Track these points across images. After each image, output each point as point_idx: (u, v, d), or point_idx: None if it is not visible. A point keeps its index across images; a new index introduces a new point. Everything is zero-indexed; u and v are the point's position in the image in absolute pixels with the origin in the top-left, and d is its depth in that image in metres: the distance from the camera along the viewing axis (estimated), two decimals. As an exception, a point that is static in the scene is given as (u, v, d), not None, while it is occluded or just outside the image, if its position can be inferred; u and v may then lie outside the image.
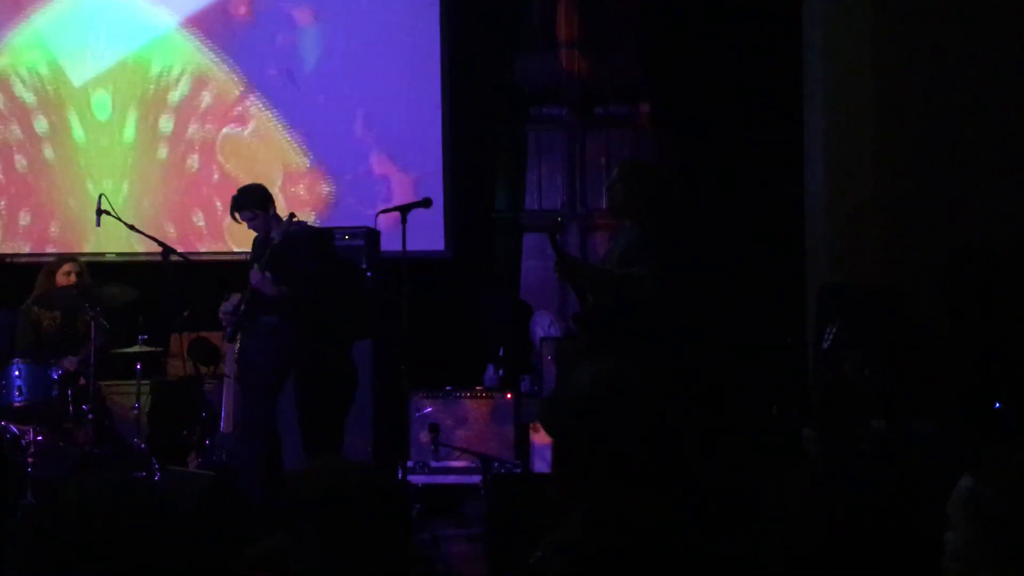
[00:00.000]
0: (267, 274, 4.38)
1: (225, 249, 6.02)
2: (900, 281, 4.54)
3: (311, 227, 4.75)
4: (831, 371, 3.94)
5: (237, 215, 4.53)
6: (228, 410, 4.73)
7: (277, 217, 4.57)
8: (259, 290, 4.39)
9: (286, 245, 4.41)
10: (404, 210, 4.57)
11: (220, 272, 5.46)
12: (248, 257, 4.77)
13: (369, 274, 5.19)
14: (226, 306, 4.54)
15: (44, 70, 6.12)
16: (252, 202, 4.50)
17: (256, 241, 4.63)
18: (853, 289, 4.51)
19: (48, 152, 6.14)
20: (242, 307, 4.44)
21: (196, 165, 6.13)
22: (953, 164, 4.69)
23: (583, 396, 1.23)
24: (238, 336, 4.50)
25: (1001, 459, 1.25)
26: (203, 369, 5.35)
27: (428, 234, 5.90)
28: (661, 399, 1.23)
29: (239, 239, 5.76)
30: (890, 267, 4.66)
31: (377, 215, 4.73)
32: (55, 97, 6.11)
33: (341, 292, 4.81)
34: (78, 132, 6.14)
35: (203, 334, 5.35)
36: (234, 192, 4.61)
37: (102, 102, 6.13)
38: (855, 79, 4.85)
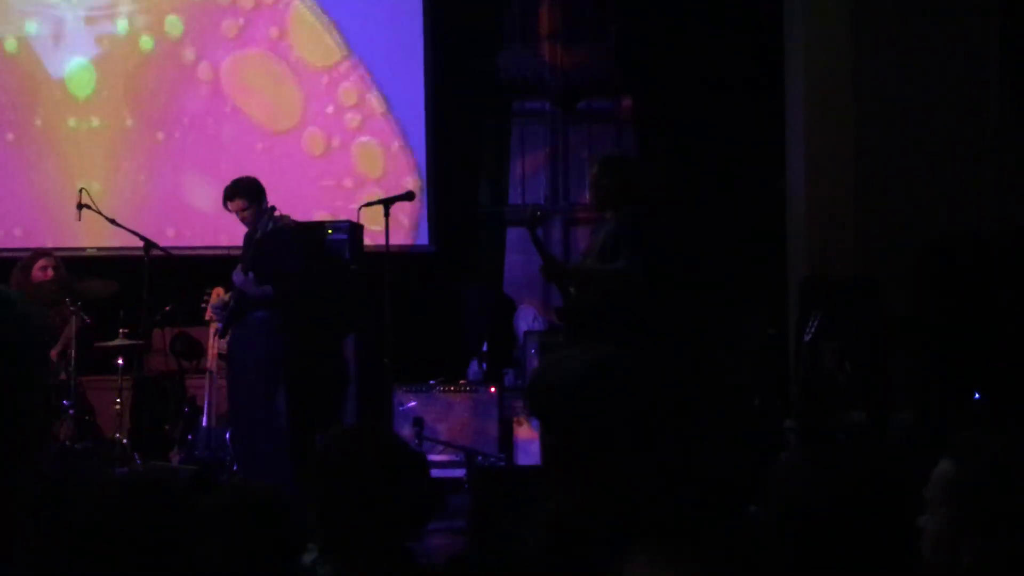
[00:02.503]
0: (250, 275, 4.34)
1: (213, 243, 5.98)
2: (879, 273, 4.57)
3: (295, 222, 4.72)
4: (812, 363, 3.96)
5: (229, 204, 4.49)
6: (210, 406, 4.71)
7: (268, 212, 4.53)
8: (243, 290, 4.37)
9: (267, 244, 4.38)
10: (387, 203, 4.55)
11: (202, 267, 5.42)
12: (237, 253, 4.74)
13: (353, 268, 5.17)
14: (217, 302, 4.52)
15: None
16: (243, 193, 4.46)
17: (246, 236, 4.60)
18: (833, 282, 4.53)
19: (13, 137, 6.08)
20: (231, 304, 4.42)
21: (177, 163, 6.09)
22: (930, 157, 4.72)
23: (576, 382, 1.27)
24: (228, 332, 4.48)
25: (980, 443, 1.25)
26: (185, 364, 5.31)
27: (411, 228, 5.88)
28: (650, 385, 1.26)
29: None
30: (869, 259, 4.68)
31: (360, 208, 4.71)
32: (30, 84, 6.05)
33: (328, 288, 4.78)
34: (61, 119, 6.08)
35: (185, 329, 5.31)
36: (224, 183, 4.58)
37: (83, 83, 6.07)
38: (834, 73, 4.87)
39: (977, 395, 3.75)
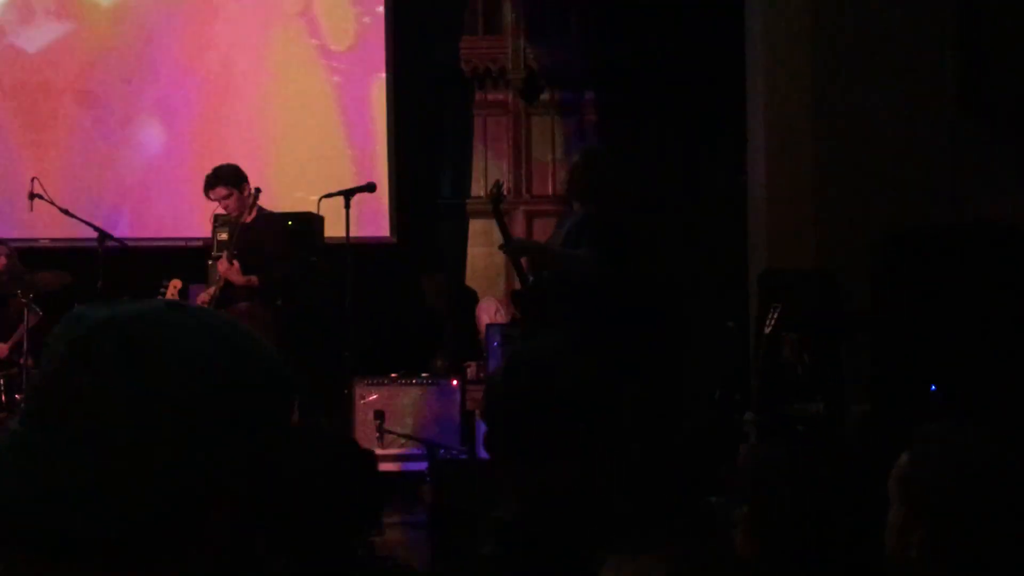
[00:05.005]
0: (235, 263, 4.30)
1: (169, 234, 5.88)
2: (838, 266, 4.63)
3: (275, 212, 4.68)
4: (771, 355, 4.00)
5: (210, 193, 4.44)
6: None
7: (253, 196, 4.48)
8: (228, 279, 4.33)
9: (253, 232, 4.35)
10: (348, 195, 4.52)
11: (159, 258, 5.33)
12: (196, 244, 4.68)
13: (313, 260, 5.12)
14: (204, 296, 4.47)
15: None
16: (224, 180, 4.42)
17: (221, 224, 4.53)
18: (792, 274, 4.58)
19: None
20: (217, 294, 4.38)
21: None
22: (887, 152, 4.79)
23: (498, 382, 1.27)
24: None
25: (934, 436, 1.27)
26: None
27: (373, 220, 5.84)
28: (575, 375, 1.24)
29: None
30: (828, 253, 4.74)
31: (320, 200, 4.67)
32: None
33: (310, 278, 4.76)
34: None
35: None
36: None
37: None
38: (792, 67, 4.91)
39: (933, 387, 3.82)
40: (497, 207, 4.14)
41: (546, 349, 1.28)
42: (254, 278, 4.38)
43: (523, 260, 4.18)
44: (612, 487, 1.20)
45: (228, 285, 4.39)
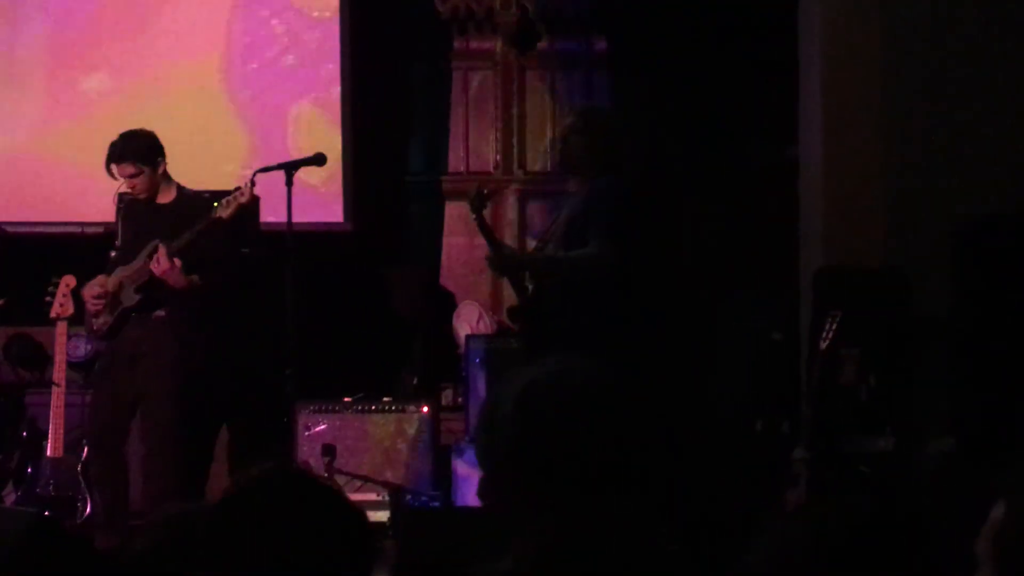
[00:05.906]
0: (176, 262, 4.28)
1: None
2: (911, 264, 4.66)
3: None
4: (827, 376, 4.03)
5: (115, 168, 4.42)
6: (57, 430, 4.66)
7: (168, 176, 4.49)
8: (164, 280, 4.31)
9: (207, 224, 4.36)
10: (290, 169, 4.54)
11: (46, 248, 5.34)
12: (94, 231, 4.68)
13: (245, 251, 5.15)
14: (93, 289, 4.44)
15: None
16: (134, 153, 4.40)
17: (126, 208, 4.54)
18: (855, 274, 4.61)
19: None
20: (138, 296, 4.37)
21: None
22: (975, 122, 4.82)
23: (509, 416, 1.28)
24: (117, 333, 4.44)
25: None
26: (24, 375, 5.24)
27: (322, 201, 5.86)
28: (604, 405, 1.27)
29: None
30: (899, 247, 4.77)
31: (254, 175, 4.68)
32: None
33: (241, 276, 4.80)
34: None
35: (24, 329, 5.24)
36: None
37: None
38: (859, 13, 4.94)
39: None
40: (480, 215, 4.20)
41: (574, 373, 1.32)
42: (195, 278, 4.36)
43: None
44: (657, 524, 1.24)
45: (154, 287, 4.35)
